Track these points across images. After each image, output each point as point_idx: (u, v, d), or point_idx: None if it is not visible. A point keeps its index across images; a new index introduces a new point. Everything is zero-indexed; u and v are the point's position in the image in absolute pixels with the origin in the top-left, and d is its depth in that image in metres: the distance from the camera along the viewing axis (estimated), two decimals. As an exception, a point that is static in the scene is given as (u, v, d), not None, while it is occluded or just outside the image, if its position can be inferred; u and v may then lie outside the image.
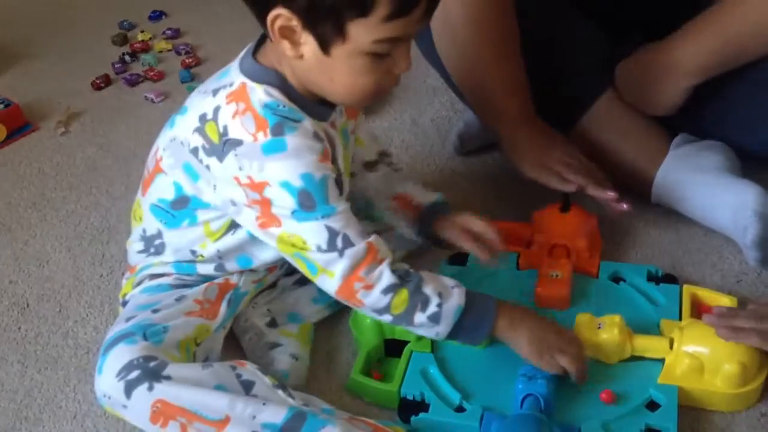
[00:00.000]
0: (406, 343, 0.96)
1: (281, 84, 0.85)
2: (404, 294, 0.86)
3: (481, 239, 0.97)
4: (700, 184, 1.08)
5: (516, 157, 1.12)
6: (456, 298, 0.87)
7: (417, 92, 1.47)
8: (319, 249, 0.85)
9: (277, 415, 0.83)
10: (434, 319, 0.86)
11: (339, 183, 0.87)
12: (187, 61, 1.63)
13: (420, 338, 0.95)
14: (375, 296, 0.86)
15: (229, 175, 0.85)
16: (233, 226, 0.92)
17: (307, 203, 0.83)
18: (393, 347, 0.97)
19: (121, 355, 0.85)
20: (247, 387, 0.85)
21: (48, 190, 1.33)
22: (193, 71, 1.61)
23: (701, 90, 1.09)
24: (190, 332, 0.89)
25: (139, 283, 0.97)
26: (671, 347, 0.90)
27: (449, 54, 1.16)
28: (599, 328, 0.91)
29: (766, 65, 1.05)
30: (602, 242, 1.09)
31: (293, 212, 0.84)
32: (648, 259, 1.09)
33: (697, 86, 1.08)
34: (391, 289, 0.85)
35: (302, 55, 0.81)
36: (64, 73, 1.65)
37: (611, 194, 1.05)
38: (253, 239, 0.92)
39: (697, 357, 0.88)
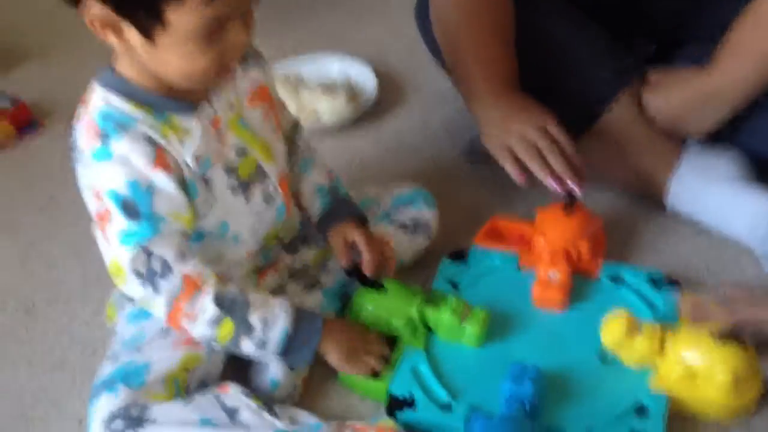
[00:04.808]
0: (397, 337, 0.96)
1: (121, 87, 0.83)
2: (229, 325, 0.85)
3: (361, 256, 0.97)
4: (716, 192, 1.06)
5: (482, 131, 1.10)
6: (281, 323, 0.86)
7: (428, 94, 1.46)
8: (137, 275, 0.84)
9: None
10: (261, 346, 0.86)
11: (191, 184, 0.85)
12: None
13: (413, 335, 0.95)
14: (200, 328, 0.85)
15: (83, 184, 0.85)
16: None
17: (131, 212, 0.82)
18: (388, 340, 0.96)
19: (104, 406, 0.84)
20: (232, 414, 0.84)
21: (57, 192, 1.32)
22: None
23: None
24: (175, 366, 0.88)
25: (120, 305, 0.96)
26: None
27: (437, 26, 1.17)
28: (639, 331, 0.90)
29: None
30: (611, 247, 1.08)
31: (120, 231, 0.83)
32: (661, 266, 1.07)
33: None
34: (215, 321, 0.85)
35: (131, 45, 0.79)
36: (73, 70, 1.63)
37: (571, 187, 1.02)
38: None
39: (690, 364, 0.87)
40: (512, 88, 1.11)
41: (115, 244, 0.84)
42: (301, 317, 0.88)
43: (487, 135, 1.09)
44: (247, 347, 0.87)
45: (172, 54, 0.78)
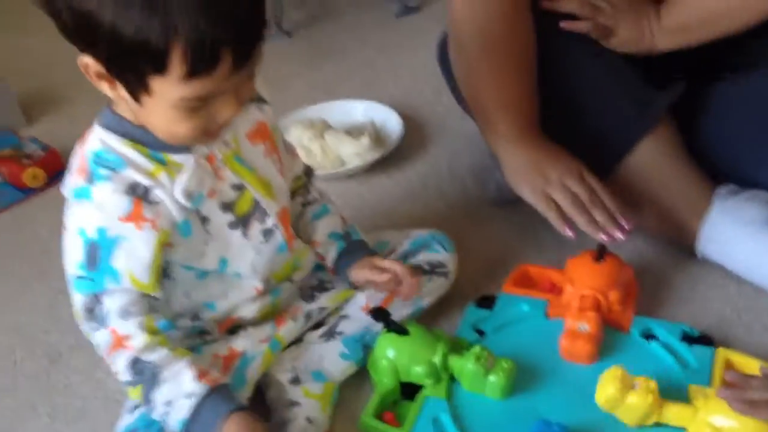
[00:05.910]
0: (421, 386, 0.93)
1: (118, 126, 0.85)
2: (137, 392, 0.86)
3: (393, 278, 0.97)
4: (748, 239, 1.03)
5: (512, 177, 1.08)
6: (182, 411, 0.84)
7: (454, 138, 1.45)
8: (86, 316, 0.86)
9: None
10: (163, 421, 0.86)
11: (182, 223, 0.86)
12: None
13: (436, 383, 0.93)
14: (120, 381, 0.88)
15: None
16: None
17: (92, 257, 0.84)
18: (409, 390, 0.94)
19: None
20: None
21: (84, 236, 1.33)
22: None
23: (743, 133, 1.05)
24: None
25: None
26: None
27: (456, 66, 1.16)
28: (633, 387, 0.87)
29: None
30: (642, 296, 1.05)
31: (77, 275, 0.85)
32: (692, 316, 1.04)
33: (738, 128, 1.06)
34: (127, 384, 0.87)
35: (122, 96, 0.80)
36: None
37: (617, 236, 1.00)
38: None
39: (720, 430, 0.83)
40: (535, 128, 1.09)
41: (71, 283, 0.87)
42: (203, 407, 0.84)
43: (520, 180, 1.07)
44: (154, 416, 0.87)
45: (156, 116, 0.80)
